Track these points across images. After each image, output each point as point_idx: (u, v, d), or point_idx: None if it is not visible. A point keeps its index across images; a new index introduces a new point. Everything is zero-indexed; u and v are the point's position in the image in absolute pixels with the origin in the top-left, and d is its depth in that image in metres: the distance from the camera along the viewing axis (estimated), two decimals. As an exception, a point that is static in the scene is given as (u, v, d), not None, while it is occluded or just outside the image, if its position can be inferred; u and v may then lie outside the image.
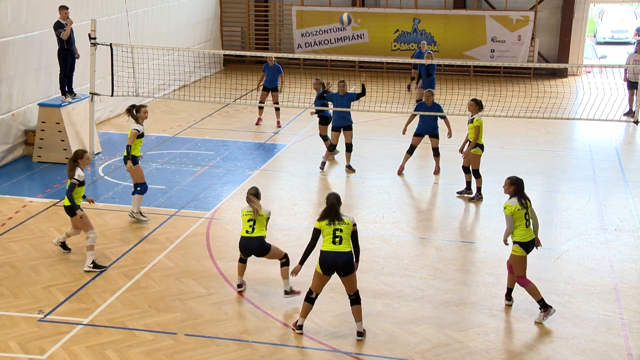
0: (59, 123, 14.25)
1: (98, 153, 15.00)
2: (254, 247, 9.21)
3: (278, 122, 17.52)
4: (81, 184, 9.88)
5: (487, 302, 9.37)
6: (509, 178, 9.13)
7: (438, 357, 8.14)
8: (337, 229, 8.19)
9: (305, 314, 8.52)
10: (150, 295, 9.35)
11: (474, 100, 12.75)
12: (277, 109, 17.46)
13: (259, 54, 17.80)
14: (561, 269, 10.36)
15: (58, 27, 13.96)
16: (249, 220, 9.16)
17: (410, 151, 14.13)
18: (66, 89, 14.58)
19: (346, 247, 8.23)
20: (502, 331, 8.73)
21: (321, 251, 8.32)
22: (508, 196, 9.07)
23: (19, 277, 9.73)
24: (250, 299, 9.32)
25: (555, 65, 20.56)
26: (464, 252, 10.91)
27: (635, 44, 19.63)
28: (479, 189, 12.88)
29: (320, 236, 8.36)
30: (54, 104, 14.42)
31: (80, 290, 9.41)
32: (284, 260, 9.43)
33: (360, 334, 8.50)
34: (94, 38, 14.31)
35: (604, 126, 17.27)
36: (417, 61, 18.21)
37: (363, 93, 13.73)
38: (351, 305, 8.49)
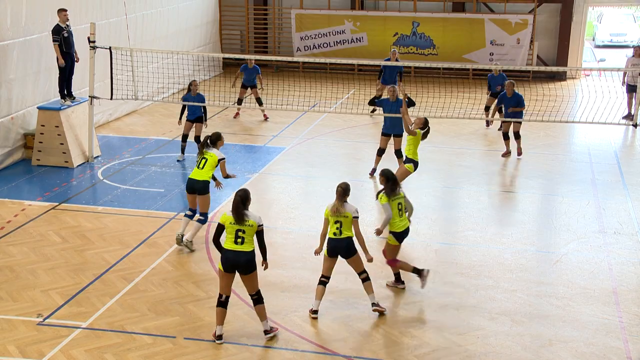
0: (58, 126, 14.24)
1: (97, 156, 15.00)
2: (342, 246, 8.84)
3: (265, 116, 18.49)
4: None
5: (487, 305, 9.36)
6: (381, 171, 9.53)
7: (437, 361, 8.14)
8: (239, 230, 8.15)
9: (221, 321, 8.38)
10: (150, 298, 9.34)
11: (426, 118, 12.23)
12: (260, 103, 18.13)
13: (258, 57, 17.84)
14: (560, 272, 10.36)
15: (56, 32, 13.95)
16: (335, 222, 8.83)
17: (380, 153, 14.12)
18: (65, 92, 14.59)
19: (247, 247, 8.19)
20: (502, 334, 8.72)
21: (224, 249, 8.24)
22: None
23: (17, 281, 9.73)
24: (249, 302, 9.30)
25: (554, 69, 20.57)
26: (463, 256, 10.91)
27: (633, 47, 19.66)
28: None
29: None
30: (53, 108, 14.42)
31: (79, 294, 9.40)
32: (365, 276, 9.05)
33: (267, 332, 8.46)
34: (93, 41, 14.32)
35: (603, 129, 17.28)
36: (401, 64, 18.26)
37: (412, 103, 13.50)
38: (254, 305, 8.46)
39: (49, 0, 14.80)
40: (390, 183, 9.31)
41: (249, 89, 18.19)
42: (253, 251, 8.26)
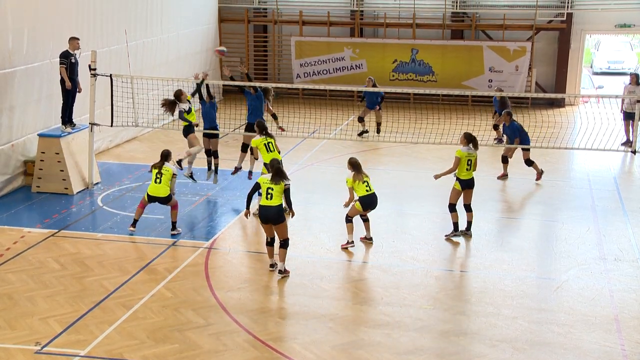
0: (58, 153, 14.27)
1: (97, 183, 15.01)
2: (375, 201, 11.77)
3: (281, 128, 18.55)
4: (188, 111, 13.99)
5: (487, 332, 9.31)
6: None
7: (438, 389, 8.07)
8: (269, 188, 10.31)
9: (271, 255, 10.81)
10: (149, 326, 9.29)
11: (465, 133, 12.44)
12: (275, 117, 18.59)
13: (258, 84, 17.90)
14: (561, 299, 10.31)
15: (64, 56, 14.06)
16: (363, 182, 11.54)
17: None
18: (66, 119, 14.64)
19: (275, 201, 10.30)
20: (503, 362, 8.67)
21: (259, 205, 10.53)
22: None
23: (16, 309, 9.67)
24: (249, 329, 9.26)
25: (553, 95, 20.70)
26: (463, 282, 10.87)
27: (630, 75, 19.80)
28: (455, 224, 12.45)
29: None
30: (53, 135, 14.45)
31: (78, 322, 9.34)
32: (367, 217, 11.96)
33: (281, 272, 10.63)
34: (94, 69, 14.40)
35: (602, 156, 17.32)
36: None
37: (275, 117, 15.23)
38: (280, 247, 10.60)
39: (51, 29, 14.92)
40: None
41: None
42: (280, 205, 10.34)
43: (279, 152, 12.96)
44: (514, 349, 8.92)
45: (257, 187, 10.53)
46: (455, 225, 12.44)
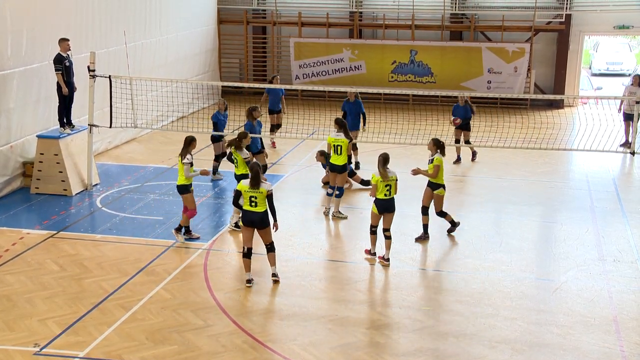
0: (57, 155, 14.27)
1: (96, 184, 15.00)
2: (391, 204, 11.41)
3: (273, 143, 18.38)
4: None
5: (487, 333, 9.31)
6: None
7: (437, 390, 8.07)
8: (252, 196, 10.14)
9: (248, 269, 10.45)
10: (148, 327, 9.28)
11: (434, 140, 12.39)
12: (278, 127, 18.54)
13: (257, 85, 17.94)
14: (560, 300, 10.32)
15: (58, 61, 14.05)
16: (386, 185, 11.22)
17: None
18: (65, 120, 14.64)
19: (260, 208, 10.18)
20: (502, 363, 8.67)
21: (243, 210, 10.29)
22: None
23: (14, 310, 9.67)
24: (248, 330, 9.26)
25: (552, 97, 20.68)
26: (462, 283, 10.87)
27: (631, 75, 19.81)
28: (452, 223, 12.67)
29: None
30: (52, 136, 14.45)
31: (77, 323, 9.34)
32: (389, 234, 11.35)
33: (274, 275, 10.50)
34: (93, 70, 14.39)
35: (601, 157, 17.33)
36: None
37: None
38: (267, 252, 10.46)
39: (49, 30, 14.91)
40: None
41: (275, 114, 18.43)
42: (265, 211, 10.23)
43: (355, 161, 13.35)
44: (513, 350, 8.93)
45: (238, 194, 10.37)
46: (452, 222, 12.72)
